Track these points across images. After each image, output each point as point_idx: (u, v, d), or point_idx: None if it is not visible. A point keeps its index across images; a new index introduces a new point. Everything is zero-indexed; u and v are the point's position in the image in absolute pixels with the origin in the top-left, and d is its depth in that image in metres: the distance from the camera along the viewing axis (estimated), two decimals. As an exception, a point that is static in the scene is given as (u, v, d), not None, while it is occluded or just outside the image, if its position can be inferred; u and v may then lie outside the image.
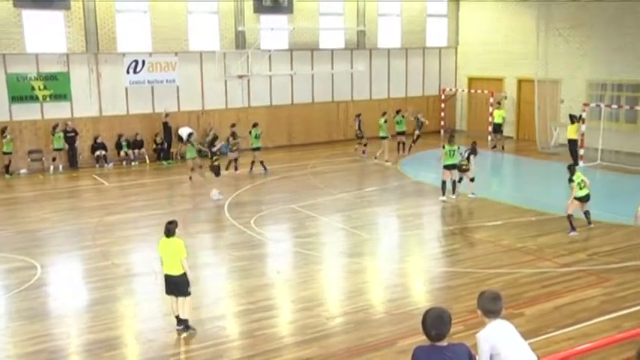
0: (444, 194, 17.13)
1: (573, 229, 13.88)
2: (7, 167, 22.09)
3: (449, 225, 15.74)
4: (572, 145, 22.10)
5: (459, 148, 17.25)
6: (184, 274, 9.52)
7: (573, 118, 22.17)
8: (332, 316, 10.24)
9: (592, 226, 14.23)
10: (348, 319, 10.02)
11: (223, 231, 15.58)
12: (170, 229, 9.67)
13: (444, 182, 17.13)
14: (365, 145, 24.12)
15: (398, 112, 24.68)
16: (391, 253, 14.16)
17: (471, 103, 30.72)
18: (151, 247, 14.28)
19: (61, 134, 22.70)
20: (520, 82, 27.96)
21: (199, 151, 20.32)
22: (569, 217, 13.92)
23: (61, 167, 22.97)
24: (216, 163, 18.46)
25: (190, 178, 20.30)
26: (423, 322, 4.77)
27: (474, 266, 12.28)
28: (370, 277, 12.35)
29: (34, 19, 22.82)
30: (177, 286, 9.57)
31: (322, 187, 19.65)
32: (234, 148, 21.45)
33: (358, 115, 24.24)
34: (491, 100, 27.80)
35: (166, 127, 24.39)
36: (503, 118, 26.49)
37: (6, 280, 12.37)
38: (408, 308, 10.29)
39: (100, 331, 9.81)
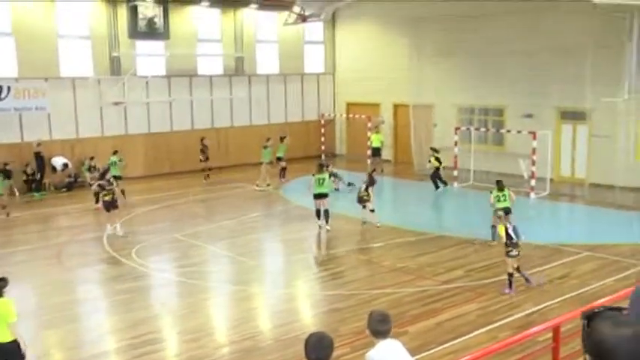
0: (319, 219, 17.33)
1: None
2: None
3: (333, 248, 16.03)
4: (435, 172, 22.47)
5: (331, 175, 17.63)
6: (15, 341, 8.01)
7: (434, 152, 22.78)
8: (219, 346, 10.14)
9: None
10: (236, 348, 9.97)
11: (103, 264, 14.99)
12: None
13: (317, 211, 17.19)
14: (210, 169, 24.39)
15: (283, 138, 24.84)
16: (277, 278, 14.23)
17: (350, 127, 31.55)
18: (23, 286, 13.64)
19: None
20: (396, 106, 29.08)
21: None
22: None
23: None
24: (106, 198, 17.39)
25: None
26: (305, 347, 4.84)
27: (359, 288, 12.58)
28: (257, 304, 12.36)
29: None
30: (7, 355, 7.98)
31: (205, 215, 19.47)
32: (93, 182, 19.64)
33: (203, 139, 24.35)
34: (369, 124, 28.70)
35: (38, 156, 23.23)
36: (382, 142, 27.39)
37: None
38: (296, 333, 10.35)
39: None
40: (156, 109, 26.80)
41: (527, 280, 12.25)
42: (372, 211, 17.41)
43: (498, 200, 15.35)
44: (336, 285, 13.05)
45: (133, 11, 25.33)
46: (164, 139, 27.06)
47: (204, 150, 23.56)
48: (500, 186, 15.56)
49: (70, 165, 23.43)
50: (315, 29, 31.31)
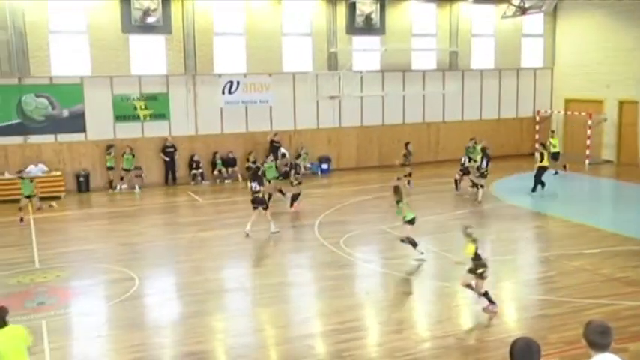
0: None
1: None
2: (110, 183, 23.26)
3: (544, 251, 15.22)
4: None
5: None
6: None
7: None
8: (422, 340, 10.09)
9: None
10: (438, 344, 9.84)
11: (313, 250, 15.68)
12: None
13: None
14: (409, 175, 22.83)
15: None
16: (483, 277, 13.82)
17: (568, 125, 29.72)
18: (242, 265, 14.77)
19: (130, 157, 23.45)
20: (622, 103, 26.86)
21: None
22: None
23: (124, 187, 23.49)
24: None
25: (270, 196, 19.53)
26: (510, 353, 4.61)
27: (571, 295, 11.79)
28: (461, 302, 12.08)
29: (139, 43, 24.02)
30: None
31: (413, 209, 19.48)
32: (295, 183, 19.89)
33: (407, 144, 23.21)
34: (589, 122, 26.83)
35: (273, 146, 24.95)
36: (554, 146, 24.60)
37: (107, 291, 12.98)
38: (501, 336, 9.98)
39: (193, 343, 10.05)
40: (369, 103, 27.41)
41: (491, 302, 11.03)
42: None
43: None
44: (546, 290, 12.37)
45: (352, 8, 26.20)
46: (375, 132, 27.59)
47: (407, 155, 23.08)
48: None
49: (287, 155, 24.76)
50: (534, 22, 29.88)
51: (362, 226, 17.57)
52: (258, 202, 16.66)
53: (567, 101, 29.66)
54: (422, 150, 27.26)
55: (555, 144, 24.78)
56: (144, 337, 10.41)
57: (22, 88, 22.82)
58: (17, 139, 22.83)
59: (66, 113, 23.37)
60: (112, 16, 23.43)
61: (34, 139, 23.01)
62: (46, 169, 22.57)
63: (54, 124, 23.22)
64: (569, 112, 29.12)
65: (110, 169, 23.26)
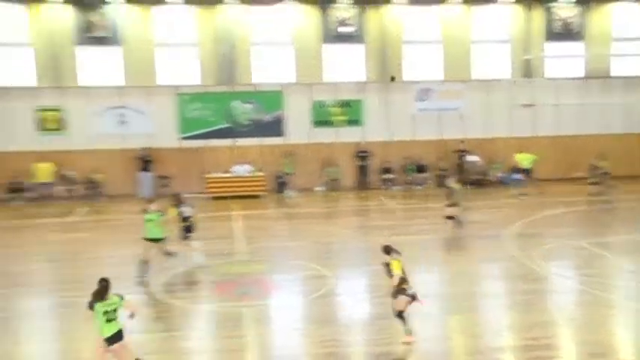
0: None
1: None
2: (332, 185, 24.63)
3: None
4: None
5: None
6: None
7: None
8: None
9: None
10: (643, 372, 9.10)
11: (503, 261, 15.19)
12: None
13: None
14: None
15: None
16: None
17: None
18: (433, 271, 14.69)
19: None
20: None
21: None
22: None
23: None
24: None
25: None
26: None
27: None
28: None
29: (334, 52, 24.95)
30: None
31: (614, 225, 18.18)
32: None
33: (599, 156, 21.40)
34: None
35: (460, 153, 24.72)
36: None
37: (303, 286, 13.56)
38: None
39: (383, 344, 10.13)
40: (565, 112, 26.00)
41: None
42: None
43: None
44: None
45: (549, 13, 25.08)
46: (572, 141, 26.11)
47: (594, 169, 21.32)
48: None
49: (480, 163, 24.24)
50: None
51: (556, 240, 16.70)
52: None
53: None
54: (634, 161, 25.25)
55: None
56: (336, 334, 10.67)
57: (231, 95, 24.67)
58: (226, 142, 24.70)
59: (268, 118, 24.86)
60: (313, 27, 24.56)
61: (240, 141, 24.75)
62: (250, 169, 24.14)
63: (257, 128, 24.81)
64: None
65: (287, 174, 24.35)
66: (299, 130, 24.96)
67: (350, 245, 17.01)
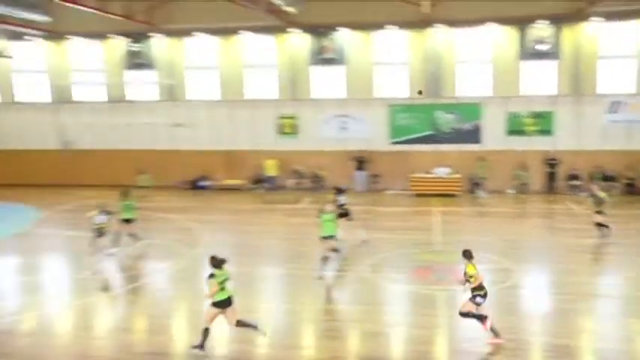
0: None
1: None
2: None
3: None
4: None
5: None
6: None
7: None
8: None
9: None
10: None
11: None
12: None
13: None
14: None
15: None
16: None
17: None
18: (617, 273, 13.76)
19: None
20: None
21: None
22: None
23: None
24: None
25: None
26: None
27: None
28: None
29: (529, 68, 24.06)
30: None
31: None
32: None
33: None
34: None
35: None
36: None
37: (490, 278, 13.33)
38: None
39: (562, 337, 9.84)
40: None
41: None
42: None
43: None
44: None
45: None
46: None
47: None
48: None
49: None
50: None
51: None
52: None
53: None
54: None
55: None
56: (517, 323, 10.55)
57: (435, 107, 24.88)
58: (427, 147, 25.00)
59: (467, 127, 24.70)
60: (511, 46, 23.95)
61: (441, 147, 24.90)
62: (448, 171, 24.24)
63: (457, 135, 24.76)
64: None
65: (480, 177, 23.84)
66: (494, 138, 24.42)
67: (536, 244, 16.49)
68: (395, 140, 25.40)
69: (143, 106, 27.25)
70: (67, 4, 19.72)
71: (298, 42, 25.81)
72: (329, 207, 14.06)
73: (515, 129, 24.27)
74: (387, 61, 25.48)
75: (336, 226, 13.86)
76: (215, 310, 9.35)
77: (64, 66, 28.01)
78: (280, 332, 10.43)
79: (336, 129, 25.79)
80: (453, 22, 24.08)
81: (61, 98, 28.11)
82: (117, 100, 27.58)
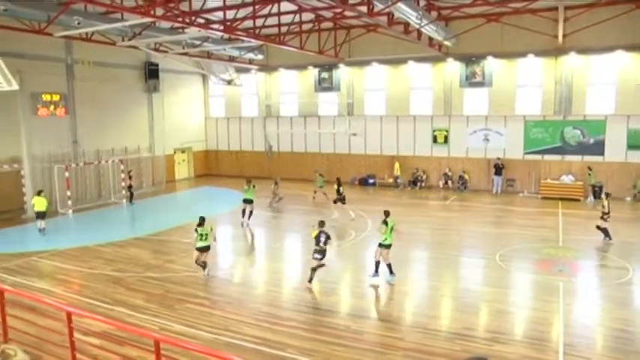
0: None
1: None
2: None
3: None
4: None
5: None
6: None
7: None
8: None
9: None
10: None
11: None
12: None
13: None
14: None
15: None
16: None
17: None
18: None
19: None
20: None
21: None
22: None
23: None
24: None
25: None
26: None
27: None
28: None
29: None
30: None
31: None
32: None
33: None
34: None
35: None
36: None
37: (606, 273, 12.88)
38: None
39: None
40: None
41: None
42: None
43: None
44: None
45: None
46: None
47: None
48: None
49: None
50: None
51: None
52: None
53: None
54: None
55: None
56: (630, 315, 10.13)
57: (564, 123, 23.49)
58: (555, 157, 23.72)
59: (591, 141, 23.01)
60: (635, 69, 21.77)
61: (567, 157, 23.50)
62: (572, 178, 22.93)
63: (581, 148, 23.20)
64: None
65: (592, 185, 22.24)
66: (616, 151, 22.46)
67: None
68: (528, 150, 24.46)
69: (328, 120, 29.14)
70: (277, 45, 21.49)
71: (452, 68, 25.81)
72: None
73: (635, 144, 22.12)
74: (525, 83, 24.53)
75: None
76: (197, 253, 12.30)
77: (272, 90, 30.96)
78: (424, 304, 10.94)
79: (480, 140, 25.48)
80: (583, 50, 22.48)
81: (268, 114, 31.12)
82: (308, 114, 29.87)
